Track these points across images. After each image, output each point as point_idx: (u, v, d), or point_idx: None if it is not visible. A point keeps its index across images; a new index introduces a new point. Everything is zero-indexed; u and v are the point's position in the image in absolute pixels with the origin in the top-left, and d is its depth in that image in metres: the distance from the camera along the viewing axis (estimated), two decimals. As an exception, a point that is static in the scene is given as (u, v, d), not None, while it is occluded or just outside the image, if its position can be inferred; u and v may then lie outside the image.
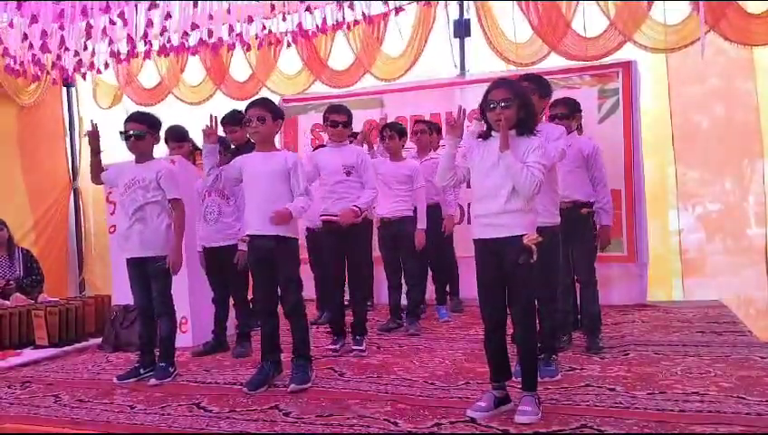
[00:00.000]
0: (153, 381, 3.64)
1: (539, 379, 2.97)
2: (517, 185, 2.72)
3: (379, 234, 4.86)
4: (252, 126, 3.47)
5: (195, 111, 7.02)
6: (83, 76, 6.74)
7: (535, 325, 2.90)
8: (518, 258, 2.70)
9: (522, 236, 2.72)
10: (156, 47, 6.06)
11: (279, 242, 3.43)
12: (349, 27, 6.13)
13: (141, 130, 3.68)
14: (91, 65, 6.44)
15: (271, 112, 3.49)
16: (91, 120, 3.94)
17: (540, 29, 5.74)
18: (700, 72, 5.60)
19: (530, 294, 2.80)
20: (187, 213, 3.82)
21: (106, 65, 6.55)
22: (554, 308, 3.45)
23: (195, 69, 7.18)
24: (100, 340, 4.81)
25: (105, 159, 3.96)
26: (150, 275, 3.70)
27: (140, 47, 6.14)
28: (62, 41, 5.54)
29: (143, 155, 3.75)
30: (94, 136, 3.84)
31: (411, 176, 4.69)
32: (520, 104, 2.77)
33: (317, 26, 6.03)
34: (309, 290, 5.52)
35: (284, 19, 6.02)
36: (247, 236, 3.53)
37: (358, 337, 4.20)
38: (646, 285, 5.56)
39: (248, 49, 6.46)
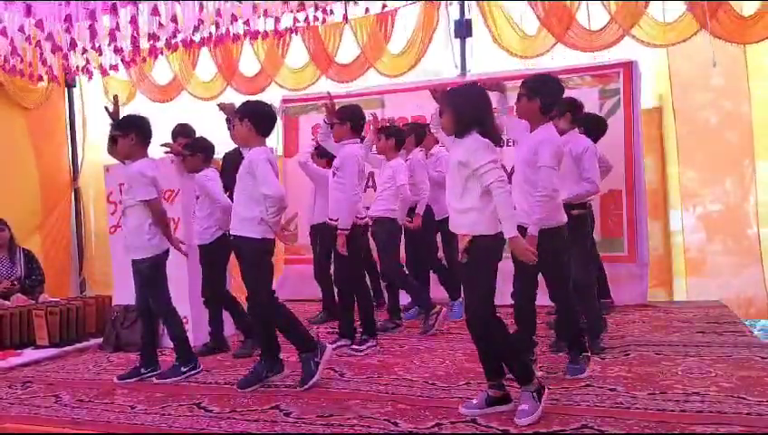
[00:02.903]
0: (156, 380, 3.67)
1: (568, 376, 3.22)
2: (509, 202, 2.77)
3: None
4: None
5: (206, 108, 6.97)
6: (89, 76, 6.75)
7: (498, 326, 2.83)
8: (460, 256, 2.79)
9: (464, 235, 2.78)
10: (162, 43, 6.08)
11: (240, 242, 3.46)
12: (345, 19, 6.17)
13: (116, 134, 3.71)
14: (103, 71, 6.48)
15: (239, 115, 3.51)
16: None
17: (546, 21, 5.81)
18: (701, 72, 5.60)
19: (474, 294, 2.81)
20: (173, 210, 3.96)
21: (114, 68, 6.57)
22: (571, 307, 3.44)
23: (206, 65, 7.23)
24: (100, 340, 4.82)
25: (112, 158, 4.01)
26: (141, 278, 3.73)
27: (143, 44, 6.15)
28: (73, 42, 5.53)
29: (124, 158, 3.77)
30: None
31: (392, 175, 4.60)
32: (451, 111, 2.83)
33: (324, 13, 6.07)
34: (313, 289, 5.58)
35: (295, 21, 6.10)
36: (232, 236, 3.57)
37: (363, 337, 4.22)
38: (646, 285, 5.55)
39: (254, 37, 6.48)
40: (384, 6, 6.04)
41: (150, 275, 3.70)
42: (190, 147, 4.31)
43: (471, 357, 3.85)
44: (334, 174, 4.15)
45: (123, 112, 3.99)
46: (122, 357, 4.44)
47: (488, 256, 2.77)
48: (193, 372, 3.77)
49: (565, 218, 3.37)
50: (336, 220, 4.11)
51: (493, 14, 6.02)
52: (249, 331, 4.31)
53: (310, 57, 6.80)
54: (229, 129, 4.99)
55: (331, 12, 6.01)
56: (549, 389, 2.97)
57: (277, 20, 6.07)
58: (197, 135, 4.71)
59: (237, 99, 6.56)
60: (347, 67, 6.69)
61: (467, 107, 2.81)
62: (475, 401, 2.86)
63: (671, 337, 4.20)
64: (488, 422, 2.71)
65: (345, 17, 6.12)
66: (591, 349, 3.80)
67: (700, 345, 3.92)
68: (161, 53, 6.40)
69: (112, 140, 3.72)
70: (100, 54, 6.05)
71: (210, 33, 6.13)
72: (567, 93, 4.96)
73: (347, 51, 6.68)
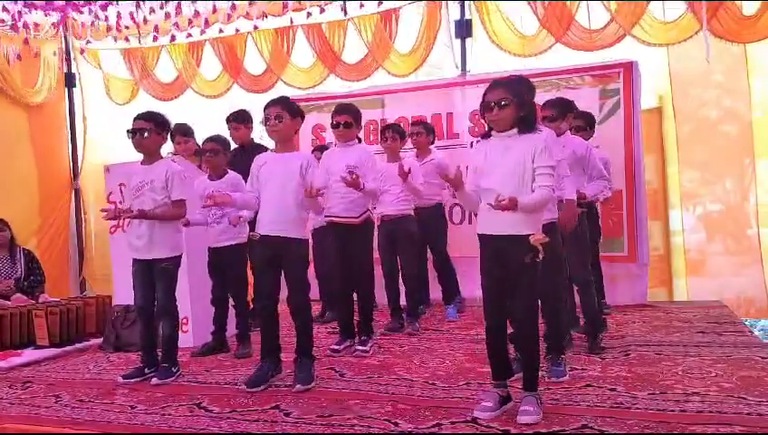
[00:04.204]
0: (155, 380, 3.64)
1: (553, 379, 3.17)
2: (543, 207, 2.79)
3: (378, 233, 4.85)
4: (270, 124, 3.49)
5: (209, 106, 7.13)
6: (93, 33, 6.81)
7: (537, 326, 2.88)
8: (524, 257, 2.69)
9: (528, 235, 2.71)
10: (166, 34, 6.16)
11: (289, 243, 3.44)
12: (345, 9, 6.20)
13: (147, 127, 3.66)
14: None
15: (289, 111, 3.50)
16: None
17: (545, 21, 5.83)
18: (701, 72, 5.61)
19: (533, 294, 2.80)
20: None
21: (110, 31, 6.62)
22: (559, 307, 3.44)
23: (211, 63, 7.26)
24: (100, 340, 4.81)
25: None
26: (156, 276, 3.70)
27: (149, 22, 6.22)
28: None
29: (149, 154, 3.74)
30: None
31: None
32: (518, 103, 2.76)
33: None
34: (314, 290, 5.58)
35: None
36: (259, 234, 3.51)
37: (363, 337, 4.21)
38: (646, 285, 5.55)
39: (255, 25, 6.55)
40: (380, 5, 6.05)
41: (174, 273, 3.72)
42: (222, 144, 4.29)
43: (471, 357, 3.85)
44: (351, 173, 4.16)
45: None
46: (122, 357, 4.44)
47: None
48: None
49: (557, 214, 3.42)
50: (354, 217, 4.12)
51: (490, 16, 6.04)
52: (244, 336, 4.32)
53: (316, 56, 6.80)
54: (229, 129, 5.03)
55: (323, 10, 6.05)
56: (549, 389, 2.97)
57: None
58: (202, 134, 4.68)
59: (243, 97, 6.65)
60: (354, 67, 6.69)
61: (532, 104, 2.82)
62: (490, 404, 2.80)
63: (671, 337, 4.20)
64: (489, 422, 2.71)
65: (344, 10, 6.14)
66: (591, 349, 3.82)
67: (700, 345, 3.92)
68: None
69: (142, 135, 3.66)
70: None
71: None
72: (567, 94, 5.04)
73: (353, 50, 6.68)
